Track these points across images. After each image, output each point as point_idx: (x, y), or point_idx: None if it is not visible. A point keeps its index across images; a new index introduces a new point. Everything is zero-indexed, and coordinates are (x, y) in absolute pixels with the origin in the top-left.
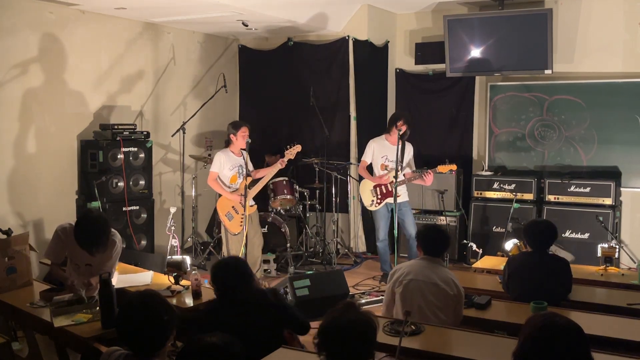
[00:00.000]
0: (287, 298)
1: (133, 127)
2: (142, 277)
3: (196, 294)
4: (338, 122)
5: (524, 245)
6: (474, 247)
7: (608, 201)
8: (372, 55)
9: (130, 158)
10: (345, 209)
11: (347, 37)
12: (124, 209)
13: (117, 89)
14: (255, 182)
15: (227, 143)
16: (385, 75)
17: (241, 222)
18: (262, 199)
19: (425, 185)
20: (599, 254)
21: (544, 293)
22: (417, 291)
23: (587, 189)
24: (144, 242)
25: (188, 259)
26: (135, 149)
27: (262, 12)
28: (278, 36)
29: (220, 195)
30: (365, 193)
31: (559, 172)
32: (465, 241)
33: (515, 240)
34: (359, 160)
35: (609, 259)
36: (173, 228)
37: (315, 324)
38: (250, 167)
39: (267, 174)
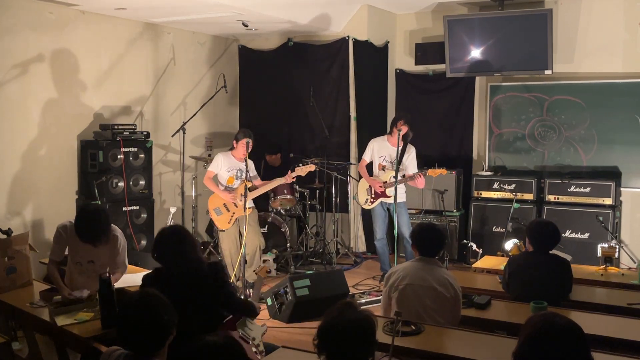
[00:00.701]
0: (287, 298)
1: (133, 127)
2: None
3: None
4: (338, 122)
5: (524, 245)
6: (474, 247)
7: (608, 201)
8: (372, 56)
9: (130, 158)
10: (345, 209)
11: (347, 38)
12: (124, 209)
13: (117, 89)
14: (254, 188)
15: (231, 147)
16: (385, 76)
17: (229, 220)
18: (262, 199)
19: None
20: (599, 254)
21: (544, 293)
22: (413, 296)
23: (587, 189)
24: (144, 242)
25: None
26: (135, 149)
27: (262, 12)
28: (278, 36)
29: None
30: (361, 191)
31: (559, 172)
32: (465, 241)
33: (515, 240)
34: (359, 160)
35: (609, 259)
36: None
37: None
38: (253, 173)
39: (268, 186)
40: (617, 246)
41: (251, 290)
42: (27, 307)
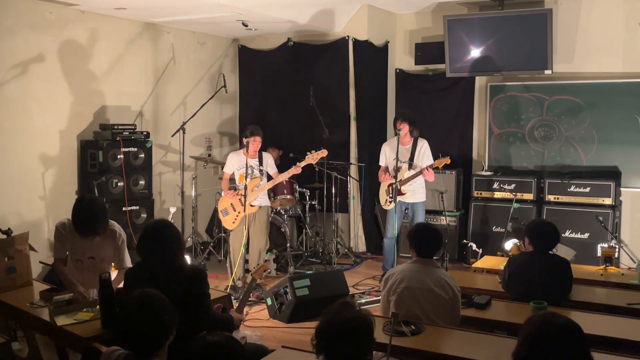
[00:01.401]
0: (287, 298)
1: (133, 127)
2: None
3: None
4: (338, 122)
5: (524, 245)
6: (474, 247)
7: (608, 201)
8: (372, 56)
9: (130, 158)
10: (345, 209)
11: (347, 37)
12: (123, 209)
13: (117, 89)
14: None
15: (239, 146)
16: (385, 76)
17: (234, 220)
18: None
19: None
20: (599, 254)
21: (544, 293)
22: (411, 299)
23: (587, 189)
24: None
25: (188, 259)
26: (135, 149)
27: (262, 12)
28: (278, 36)
29: None
30: (381, 194)
31: (558, 172)
32: (465, 241)
33: (515, 240)
34: (358, 160)
35: (609, 259)
36: None
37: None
38: (274, 169)
39: (278, 179)
40: (617, 246)
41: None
42: (27, 307)
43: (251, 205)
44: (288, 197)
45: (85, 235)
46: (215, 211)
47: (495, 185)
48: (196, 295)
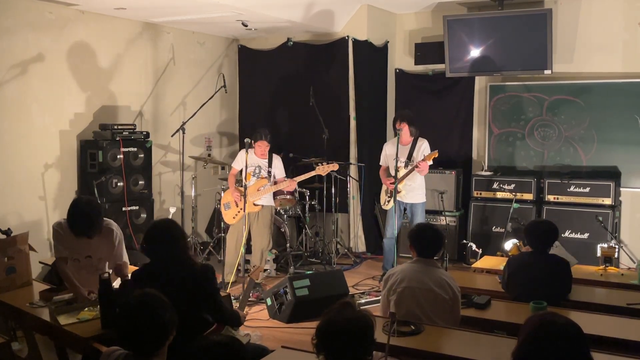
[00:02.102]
0: (287, 298)
1: (133, 127)
2: None
3: None
4: (338, 122)
5: (524, 245)
6: (474, 247)
7: (608, 201)
8: (372, 56)
9: (130, 158)
10: (345, 209)
11: (346, 37)
12: (123, 209)
13: (117, 89)
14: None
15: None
16: (385, 76)
17: (235, 215)
18: None
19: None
20: (599, 254)
21: (544, 293)
22: (411, 299)
23: (587, 189)
24: None
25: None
26: (135, 149)
27: (262, 12)
28: (278, 36)
29: None
30: (382, 194)
31: (558, 172)
32: (465, 241)
33: (514, 240)
34: (358, 160)
35: (609, 259)
36: None
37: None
38: (282, 173)
39: (277, 187)
40: (617, 246)
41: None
42: (26, 307)
43: (254, 204)
44: (288, 197)
45: (79, 235)
46: (215, 211)
47: (495, 185)
48: (210, 291)
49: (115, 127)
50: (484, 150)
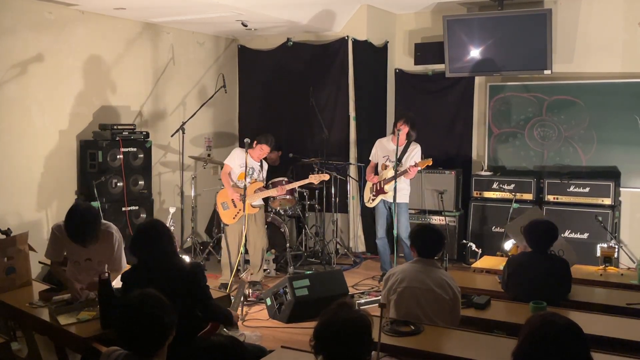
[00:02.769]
0: (287, 298)
1: (132, 127)
2: None
3: None
4: (337, 122)
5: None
6: (474, 247)
7: (607, 201)
8: (372, 56)
9: (130, 158)
10: (344, 209)
11: (346, 37)
12: (123, 209)
13: (117, 89)
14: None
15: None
16: (384, 76)
17: (234, 216)
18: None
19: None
20: (599, 254)
21: (544, 293)
22: (411, 298)
23: (587, 189)
24: None
25: (187, 259)
26: (135, 149)
27: (261, 12)
28: (277, 36)
29: None
30: (366, 191)
31: (558, 172)
32: (464, 241)
33: (514, 240)
34: (358, 160)
35: (608, 259)
36: (172, 228)
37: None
38: (262, 177)
39: (269, 192)
40: (617, 246)
41: (250, 291)
42: (26, 307)
43: (252, 206)
44: (287, 197)
45: (76, 242)
46: (215, 211)
47: (495, 186)
48: (200, 289)
49: (115, 127)
50: (483, 150)
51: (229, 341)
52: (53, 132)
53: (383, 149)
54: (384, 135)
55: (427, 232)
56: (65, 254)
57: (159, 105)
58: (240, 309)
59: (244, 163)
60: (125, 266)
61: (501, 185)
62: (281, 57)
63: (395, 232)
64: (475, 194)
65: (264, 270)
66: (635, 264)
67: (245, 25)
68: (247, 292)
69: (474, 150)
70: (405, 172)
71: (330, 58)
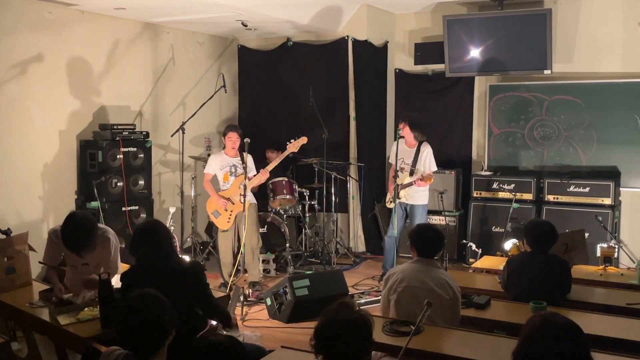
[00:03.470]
0: (287, 298)
1: (132, 127)
2: None
3: None
4: (337, 122)
5: (523, 245)
6: (474, 247)
7: (607, 201)
8: (372, 56)
9: (130, 158)
10: (344, 209)
11: (346, 37)
12: (123, 209)
13: (117, 89)
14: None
15: (224, 146)
16: (384, 76)
17: (228, 219)
18: (261, 199)
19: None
20: (599, 254)
21: (544, 293)
22: (411, 298)
23: (587, 189)
24: None
25: (187, 259)
26: (135, 149)
27: (261, 12)
28: (277, 36)
29: None
30: (389, 194)
31: (558, 172)
32: (464, 241)
33: (514, 240)
34: (358, 160)
35: (608, 259)
36: (172, 228)
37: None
38: (252, 171)
39: (256, 179)
40: (617, 246)
41: (250, 291)
42: (26, 307)
43: (241, 202)
44: (287, 197)
45: (72, 252)
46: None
47: (495, 185)
48: (201, 287)
49: (115, 127)
50: (483, 150)
51: (228, 341)
52: (53, 132)
53: (400, 153)
54: (384, 135)
55: (427, 231)
56: (60, 258)
57: (159, 105)
58: (240, 309)
59: (223, 165)
60: (120, 268)
61: (501, 185)
62: (281, 57)
63: (395, 232)
64: (475, 194)
65: (263, 270)
66: (635, 264)
67: (245, 25)
68: (247, 292)
69: (474, 150)
70: (412, 184)
71: (330, 58)
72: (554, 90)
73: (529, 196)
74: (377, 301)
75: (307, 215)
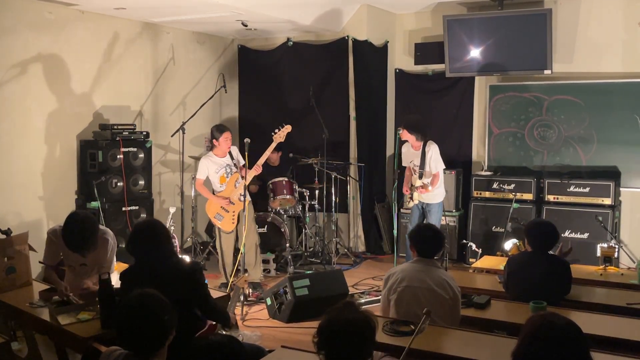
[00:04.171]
0: (287, 298)
1: (132, 127)
2: None
3: None
4: (337, 122)
5: (523, 245)
6: (474, 246)
7: (607, 201)
8: (372, 56)
9: (130, 158)
10: (344, 209)
11: (346, 37)
12: (123, 209)
13: (117, 88)
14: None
15: (211, 147)
16: (384, 76)
17: (232, 220)
18: (261, 199)
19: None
20: (599, 254)
21: (544, 293)
22: (411, 298)
23: (587, 189)
24: None
25: (187, 259)
26: (135, 149)
27: (261, 12)
28: (277, 36)
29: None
30: (405, 194)
31: (558, 172)
32: (464, 241)
33: (514, 240)
34: (358, 160)
35: (609, 259)
36: (172, 228)
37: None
38: (241, 161)
39: (251, 175)
40: (617, 246)
41: (250, 291)
42: (26, 307)
43: (240, 200)
44: (287, 197)
45: (74, 252)
46: None
47: (495, 185)
48: (199, 287)
49: (115, 127)
50: (483, 150)
51: (227, 340)
52: (53, 132)
53: (408, 155)
54: (384, 135)
55: (427, 231)
56: (59, 258)
57: (159, 105)
58: (240, 309)
59: (217, 167)
60: (114, 268)
61: (501, 185)
62: (281, 57)
63: (395, 232)
64: (475, 193)
65: (264, 270)
66: (635, 264)
67: (245, 25)
68: (247, 292)
69: (474, 150)
70: (420, 187)
71: (330, 58)
72: (554, 90)
73: (529, 196)
74: (377, 301)
75: (307, 215)
